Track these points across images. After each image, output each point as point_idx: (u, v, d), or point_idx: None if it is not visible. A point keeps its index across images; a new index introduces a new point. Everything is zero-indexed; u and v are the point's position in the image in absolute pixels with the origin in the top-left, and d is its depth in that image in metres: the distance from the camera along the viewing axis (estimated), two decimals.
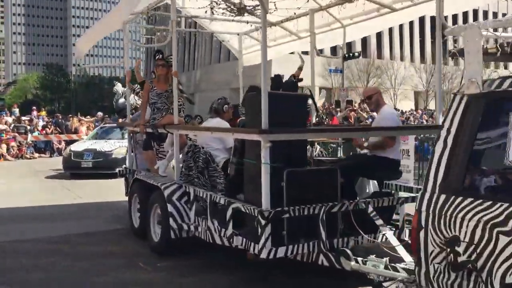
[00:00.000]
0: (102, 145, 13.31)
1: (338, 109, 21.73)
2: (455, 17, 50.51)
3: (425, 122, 23.81)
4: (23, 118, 22.62)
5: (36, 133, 20.34)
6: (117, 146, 13.19)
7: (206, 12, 6.80)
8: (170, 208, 5.29)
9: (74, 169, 13.02)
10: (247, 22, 7.56)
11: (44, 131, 20.60)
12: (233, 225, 4.45)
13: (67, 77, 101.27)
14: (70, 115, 22.78)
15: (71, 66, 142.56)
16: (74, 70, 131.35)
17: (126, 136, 13.33)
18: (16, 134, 19.19)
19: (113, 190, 10.42)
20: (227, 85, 46.82)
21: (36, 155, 19.25)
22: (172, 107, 6.11)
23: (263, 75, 4.21)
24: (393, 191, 5.59)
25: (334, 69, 34.58)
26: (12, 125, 20.32)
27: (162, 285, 4.71)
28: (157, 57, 6.45)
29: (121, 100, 15.71)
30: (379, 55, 44.38)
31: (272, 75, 7.61)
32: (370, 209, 4.32)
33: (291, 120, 4.40)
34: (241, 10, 6.25)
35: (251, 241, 4.19)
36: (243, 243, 4.33)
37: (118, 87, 15.62)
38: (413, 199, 4.75)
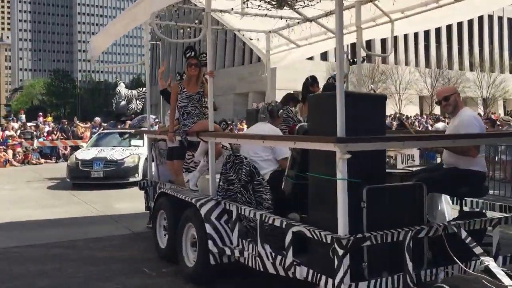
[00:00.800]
0: (111, 153, 12.35)
1: None
2: (470, 20, 50.53)
3: (430, 127, 23.75)
4: (29, 124, 22.77)
5: (42, 139, 20.46)
6: (128, 154, 12.35)
7: (232, 9, 6.44)
8: (208, 228, 4.53)
9: (82, 179, 12.02)
10: (281, 18, 6.85)
11: (50, 137, 20.71)
12: (293, 252, 3.71)
13: (73, 83, 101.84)
14: (75, 123, 22.81)
15: (77, 72, 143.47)
16: (80, 76, 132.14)
17: (133, 143, 13.05)
18: (23, 140, 19.32)
19: (119, 196, 10.47)
20: (232, 90, 47.03)
21: (42, 160, 19.36)
22: (204, 112, 5.63)
23: (338, 69, 3.41)
24: (484, 211, 4.86)
25: None
26: (19, 131, 20.46)
27: None
28: (188, 55, 5.60)
29: (123, 103, 15.28)
30: (384, 60, 44.37)
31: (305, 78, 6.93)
32: (464, 233, 3.63)
33: (370, 126, 3.65)
34: (281, 2, 5.74)
35: (321, 274, 3.44)
36: (310, 276, 3.57)
37: (121, 88, 15.15)
38: (506, 220, 4.18)
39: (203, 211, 4.61)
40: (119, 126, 14.74)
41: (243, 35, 8.04)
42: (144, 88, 16.28)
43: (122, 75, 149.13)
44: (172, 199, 5.41)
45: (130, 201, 9.77)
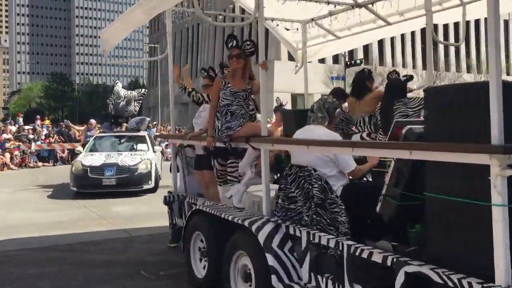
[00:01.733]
0: (122, 159, 11.42)
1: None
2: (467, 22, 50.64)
3: None
4: (26, 127, 22.77)
5: (39, 142, 20.48)
6: (139, 159, 11.51)
7: None
8: (271, 259, 3.57)
9: (92, 187, 10.98)
10: (328, 3, 6.05)
11: (48, 140, 20.73)
12: None
13: (71, 86, 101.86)
14: (69, 125, 22.75)
15: (75, 75, 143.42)
16: (78, 79, 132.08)
17: (139, 147, 12.44)
18: (20, 143, 19.33)
19: (117, 199, 10.50)
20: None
21: (40, 164, 19.37)
22: (251, 113, 4.95)
23: (494, 57, 2.48)
24: None
25: (336, 77, 34.73)
26: (15, 134, 20.49)
27: None
28: (229, 45, 4.66)
29: (122, 104, 13.92)
30: (381, 62, 44.52)
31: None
32: None
33: None
34: None
35: None
36: None
37: (119, 88, 14.05)
38: None
39: (261, 236, 3.66)
40: (115, 129, 13.72)
41: (277, 25, 7.06)
42: (143, 90, 15.69)
43: (120, 78, 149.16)
44: (213, 218, 4.44)
45: (128, 205, 9.82)
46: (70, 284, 5.01)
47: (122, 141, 12.84)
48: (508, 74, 49.93)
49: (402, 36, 47.72)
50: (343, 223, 3.46)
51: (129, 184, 11.10)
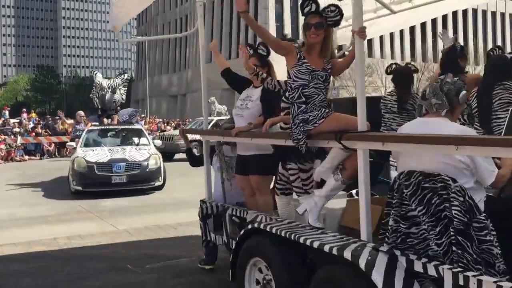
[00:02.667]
0: (129, 154, 10.61)
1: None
2: (455, 14, 50.94)
3: None
4: (12, 120, 22.50)
5: (26, 135, 20.25)
6: (147, 154, 10.73)
7: None
8: None
9: (100, 186, 10.03)
10: None
11: (34, 133, 20.50)
12: None
13: (58, 79, 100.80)
14: (58, 117, 22.42)
15: (61, 67, 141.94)
16: (65, 72, 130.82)
17: (142, 141, 11.62)
18: (6, 137, 19.09)
19: (104, 193, 10.40)
20: (219, 85, 46.91)
21: (26, 157, 19.16)
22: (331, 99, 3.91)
23: None
24: None
25: None
26: (0, 128, 20.23)
27: (152, 287, 4.71)
28: (306, 10, 3.42)
29: (109, 96, 12.75)
30: (370, 54, 44.60)
31: None
32: None
33: None
34: None
35: None
36: None
37: (100, 79, 12.98)
38: None
39: (376, 276, 2.56)
40: (105, 122, 12.72)
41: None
42: (126, 75, 14.58)
43: (108, 70, 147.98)
44: (282, 241, 3.31)
45: (115, 198, 9.73)
46: (54, 279, 4.94)
47: (119, 134, 12.00)
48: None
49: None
50: (498, 258, 2.47)
51: (140, 181, 10.31)
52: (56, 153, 20.67)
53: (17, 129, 20.52)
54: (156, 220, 7.57)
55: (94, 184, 10.06)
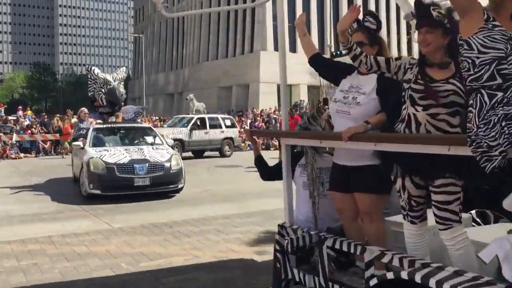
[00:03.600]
0: (150, 154, 9.83)
1: (326, 107, 21.79)
2: None
3: None
4: (9, 117, 22.43)
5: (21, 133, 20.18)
6: (167, 154, 10.00)
7: None
8: None
9: (122, 189, 9.24)
10: None
11: (30, 131, 20.43)
12: None
13: (54, 76, 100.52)
14: (58, 115, 22.33)
15: (58, 65, 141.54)
16: (61, 69, 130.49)
17: (155, 140, 10.92)
18: (1, 134, 19.02)
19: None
20: (216, 83, 46.91)
21: (22, 155, 19.10)
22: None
23: None
24: None
25: None
26: None
27: (145, 285, 4.69)
28: None
29: (120, 90, 11.55)
30: None
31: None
32: None
33: None
34: None
35: None
36: None
37: (99, 72, 11.75)
38: None
39: None
40: (109, 120, 11.71)
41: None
42: (124, 68, 13.78)
43: (105, 68, 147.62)
44: None
45: (108, 196, 9.68)
46: (45, 277, 4.90)
47: (128, 133, 11.28)
48: None
49: (388, 26, 47.86)
50: None
51: (164, 183, 9.56)
52: (52, 151, 20.62)
53: (14, 127, 20.44)
54: (151, 218, 7.55)
55: (114, 187, 9.18)
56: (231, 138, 19.88)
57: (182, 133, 18.51)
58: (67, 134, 19.38)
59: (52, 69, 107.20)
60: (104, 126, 11.17)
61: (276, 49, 42.48)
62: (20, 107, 26.89)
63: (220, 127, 19.66)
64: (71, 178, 11.90)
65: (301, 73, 41.11)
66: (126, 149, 9.98)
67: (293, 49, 43.34)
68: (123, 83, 12.40)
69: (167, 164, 9.60)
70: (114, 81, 11.68)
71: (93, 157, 9.48)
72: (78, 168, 10.44)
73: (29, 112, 27.08)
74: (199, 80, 49.89)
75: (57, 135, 20.21)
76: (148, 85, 54.51)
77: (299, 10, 43.53)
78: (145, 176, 9.33)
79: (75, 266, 5.24)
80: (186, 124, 19.13)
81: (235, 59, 45.36)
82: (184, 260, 5.40)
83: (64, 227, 7.11)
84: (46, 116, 23.23)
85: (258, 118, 27.34)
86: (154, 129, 12.73)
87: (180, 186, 9.87)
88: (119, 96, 11.76)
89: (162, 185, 9.52)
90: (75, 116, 21.32)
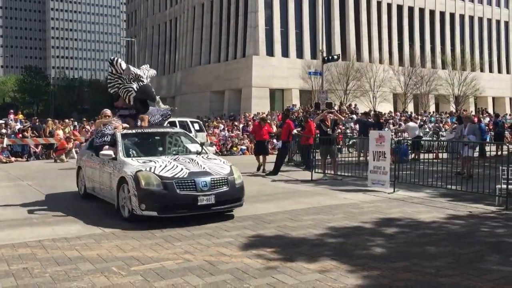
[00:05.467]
0: (206, 165, 8.11)
1: (319, 111, 21.88)
2: (442, 19, 51.35)
3: (403, 124, 24.12)
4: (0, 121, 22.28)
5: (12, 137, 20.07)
6: (226, 165, 8.34)
7: None
8: None
9: (183, 209, 7.50)
10: None
11: (21, 135, 20.31)
12: None
13: (46, 80, 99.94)
14: (50, 120, 22.21)
15: (50, 68, 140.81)
16: (53, 73, 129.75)
17: (195, 148, 9.17)
18: None
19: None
20: (208, 88, 46.93)
21: (13, 159, 18.99)
22: None
23: None
24: None
25: (314, 72, 34.83)
26: None
27: None
28: None
29: (150, 86, 9.62)
30: (358, 58, 44.83)
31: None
32: None
33: None
34: None
35: None
36: None
37: (126, 64, 9.57)
38: None
39: None
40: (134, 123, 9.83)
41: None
42: (147, 65, 10.70)
43: (97, 72, 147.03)
44: None
45: (102, 200, 9.66)
46: (36, 281, 4.90)
47: (166, 140, 9.66)
48: (481, 70, 50.86)
49: (379, 32, 48.13)
50: None
51: (229, 200, 7.95)
52: (44, 155, 20.52)
53: (3, 130, 20.32)
54: (142, 223, 7.54)
55: (174, 208, 7.49)
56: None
57: None
58: (62, 149, 19.25)
59: (44, 73, 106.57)
60: (134, 131, 9.29)
61: (268, 53, 42.79)
62: (12, 111, 26.73)
63: (190, 131, 19.47)
64: (66, 185, 11.80)
65: (293, 78, 41.30)
66: (175, 159, 8.24)
67: (285, 53, 43.54)
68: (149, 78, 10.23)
69: (231, 178, 8.02)
70: (146, 77, 9.85)
71: (141, 170, 7.69)
72: (105, 182, 8.69)
73: (20, 116, 26.90)
74: (191, 85, 49.88)
75: (49, 139, 20.11)
76: None
77: (291, 15, 43.75)
78: (210, 193, 7.62)
79: (66, 270, 5.23)
80: None
81: (227, 64, 45.40)
82: (175, 264, 5.41)
83: (55, 231, 7.09)
84: (37, 120, 23.11)
85: (250, 123, 27.37)
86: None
87: (243, 203, 8.35)
88: (153, 94, 9.90)
89: (227, 203, 7.92)
90: (91, 122, 20.07)
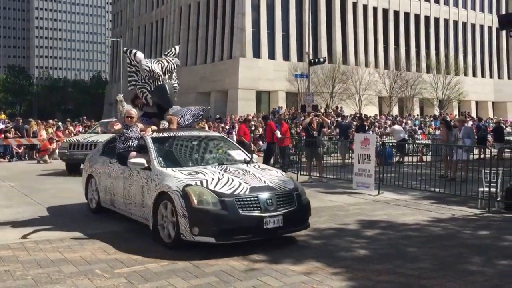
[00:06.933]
0: (266, 178, 6.64)
1: (305, 113, 21.96)
2: (427, 23, 51.91)
3: (388, 128, 24.31)
4: None
5: None
6: (287, 177, 7.05)
7: None
8: None
9: (246, 233, 5.97)
10: None
11: (3, 135, 20.03)
12: None
13: (30, 80, 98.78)
14: (33, 120, 21.92)
15: (33, 68, 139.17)
16: (37, 73, 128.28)
17: (238, 155, 7.68)
18: None
19: (75, 196, 10.18)
20: (194, 89, 46.79)
21: None
22: None
23: None
24: None
25: (300, 74, 34.97)
26: None
27: None
28: None
29: (168, 87, 7.88)
30: (345, 61, 45.12)
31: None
32: None
33: None
34: None
35: None
36: None
37: (143, 58, 8.01)
38: None
39: None
40: (161, 125, 8.12)
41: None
42: (175, 50, 8.57)
43: (82, 72, 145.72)
44: None
45: (85, 202, 9.57)
46: (17, 284, 4.83)
47: (207, 145, 8.01)
48: (465, 74, 51.55)
49: (365, 35, 48.51)
50: None
51: (298, 221, 6.51)
52: (26, 156, 20.26)
53: None
54: (127, 225, 7.49)
55: (237, 232, 5.94)
56: None
57: None
58: (45, 151, 19.00)
59: (27, 72, 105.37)
60: (166, 135, 7.69)
61: (255, 55, 42.85)
62: None
63: None
64: (49, 187, 11.60)
65: (279, 80, 41.40)
66: (225, 170, 6.76)
67: (271, 56, 43.64)
68: (175, 72, 8.26)
69: (297, 193, 6.57)
70: (165, 73, 7.88)
71: (190, 185, 6.18)
72: (133, 197, 7.16)
73: (3, 116, 26.55)
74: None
75: (32, 140, 19.87)
76: (125, 89, 54.06)
77: (278, 17, 43.87)
78: (277, 213, 6.14)
79: (48, 273, 5.17)
80: None
81: (214, 65, 45.35)
82: (160, 266, 5.38)
83: (38, 233, 7.00)
84: (21, 120, 22.81)
85: (236, 125, 27.35)
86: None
87: (309, 223, 6.89)
88: (171, 97, 7.99)
89: (296, 224, 6.46)
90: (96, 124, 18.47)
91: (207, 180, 6.29)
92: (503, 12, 53.23)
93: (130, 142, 7.55)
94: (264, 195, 6.18)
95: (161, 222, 6.41)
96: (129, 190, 7.29)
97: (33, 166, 17.30)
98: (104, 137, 13.80)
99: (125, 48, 8.00)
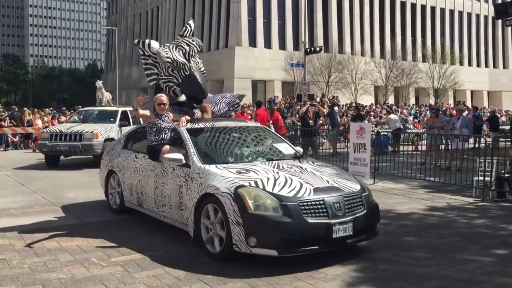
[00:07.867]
0: (329, 178, 5.68)
1: (301, 102, 21.93)
2: (423, 13, 51.78)
3: (383, 116, 24.35)
4: None
5: None
6: (350, 176, 6.31)
7: None
8: None
9: (313, 244, 5.01)
10: None
11: None
12: None
13: (25, 68, 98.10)
14: (27, 109, 21.81)
15: (28, 57, 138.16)
16: (31, 61, 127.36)
17: (283, 148, 6.74)
18: None
19: (70, 184, 10.18)
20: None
21: None
22: None
23: None
24: None
25: (296, 63, 34.87)
26: None
27: (117, 280, 4.68)
28: None
29: (199, 76, 6.87)
30: (341, 50, 45.01)
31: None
32: None
33: None
34: None
35: None
36: None
37: (159, 48, 6.89)
38: None
39: None
40: (196, 115, 7.12)
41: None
42: (189, 24, 7.33)
43: (77, 61, 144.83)
44: None
45: (82, 190, 9.58)
46: (14, 272, 4.84)
47: (250, 138, 6.92)
48: (461, 64, 51.59)
49: (361, 24, 48.35)
50: None
51: (368, 228, 5.58)
52: (22, 145, 20.20)
53: None
54: (125, 215, 7.49)
55: (302, 243, 5.01)
56: None
57: (112, 130, 14.01)
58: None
59: (22, 61, 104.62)
60: (203, 126, 6.67)
61: (251, 44, 42.65)
62: None
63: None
64: (45, 175, 11.58)
65: (275, 69, 41.28)
66: (278, 167, 5.82)
67: (267, 45, 43.45)
68: (198, 54, 7.18)
69: (365, 194, 5.66)
70: (188, 60, 6.82)
71: (243, 186, 5.21)
72: (167, 198, 6.18)
73: None
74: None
75: (28, 129, 19.79)
76: (121, 78, 53.76)
77: (274, 6, 43.62)
78: (346, 219, 5.19)
79: (45, 261, 5.18)
80: (112, 120, 14.64)
81: (209, 54, 45.12)
82: (156, 254, 5.40)
83: (35, 222, 7.00)
84: (16, 109, 22.69)
85: (233, 114, 27.33)
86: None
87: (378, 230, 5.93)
88: (205, 86, 7.01)
89: (366, 232, 5.50)
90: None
91: (262, 180, 5.30)
92: (499, 1, 53.17)
93: (163, 134, 6.43)
94: (331, 198, 5.20)
95: (206, 230, 5.44)
96: (162, 190, 6.26)
97: (29, 155, 17.25)
98: (89, 127, 13.66)
99: (136, 40, 7.15)
